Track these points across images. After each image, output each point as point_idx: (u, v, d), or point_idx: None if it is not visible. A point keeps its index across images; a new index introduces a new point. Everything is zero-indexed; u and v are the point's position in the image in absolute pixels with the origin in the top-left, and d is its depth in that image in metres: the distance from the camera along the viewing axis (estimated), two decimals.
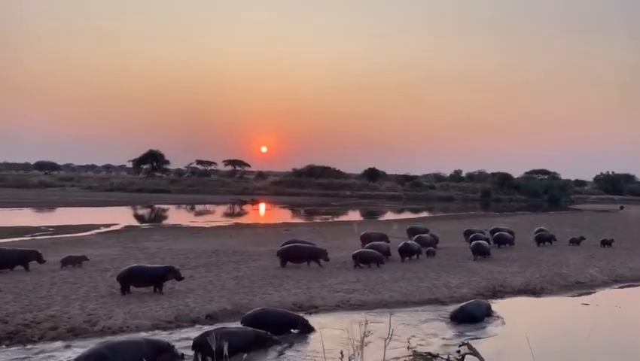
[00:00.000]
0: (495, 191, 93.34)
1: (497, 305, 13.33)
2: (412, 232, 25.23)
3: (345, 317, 11.89)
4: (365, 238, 22.55)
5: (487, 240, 23.14)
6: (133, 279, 13.24)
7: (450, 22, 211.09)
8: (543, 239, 25.37)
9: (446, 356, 9.47)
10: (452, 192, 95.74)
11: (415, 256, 19.58)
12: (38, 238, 24.89)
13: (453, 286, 15.22)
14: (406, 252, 19.49)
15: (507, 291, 15.27)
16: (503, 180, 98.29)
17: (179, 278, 13.66)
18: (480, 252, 20.50)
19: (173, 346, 8.93)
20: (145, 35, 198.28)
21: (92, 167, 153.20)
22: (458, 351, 9.68)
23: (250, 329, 10.07)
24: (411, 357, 9.59)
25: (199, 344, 8.83)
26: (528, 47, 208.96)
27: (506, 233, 25.12)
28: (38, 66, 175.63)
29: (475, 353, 9.57)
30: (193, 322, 11.31)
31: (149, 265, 14.33)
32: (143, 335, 9.97)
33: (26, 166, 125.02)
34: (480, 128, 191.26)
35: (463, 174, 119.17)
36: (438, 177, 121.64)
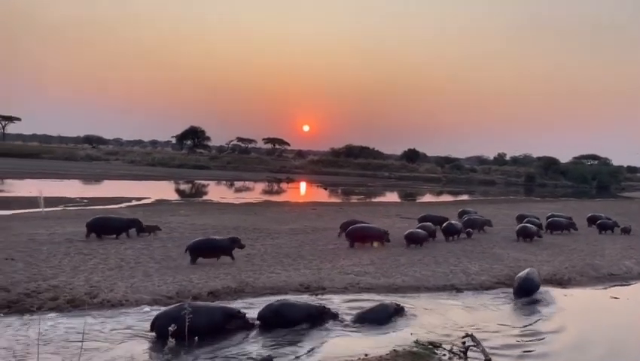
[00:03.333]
0: (540, 176, 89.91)
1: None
2: (463, 214, 25.31)
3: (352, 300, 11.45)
4: (423, 220, 22.26)
5: (540, 225, 22.68)
6: (203, 250, 13.93)
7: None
8: (605, 227, 24.13)
9: (449, 347, 8.93)
10: (495, 175, 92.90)
11: (457, 236, 20.08)
12: (70, 208, 25.55)
13: (472, 272, 14.45)
14: (449, 232, 19.73)
15: None
16: (548, 164, 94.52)
17: (241, 247, 14.73)
18: (524, 235, 20.22)
19: (244, 314, 9.23)
20: (190, 14, 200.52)
21: (140, 142, 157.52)
22: (463, 343, 9.11)
23: (310, 303, 10.23)
24: (413, 346, 9.11)
25: (264, 317, 9.35)
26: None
27: (562, 219, 24.18)
28: (93, 47, 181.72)
29: (478, 344, 8.97)
30: (194, 298, 11.08)
31: (216, 237, 14.92)
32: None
33: (77, 140, 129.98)
34: (527, 111, 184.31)
35: (507, 158, 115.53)
36: (481, 160, 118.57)
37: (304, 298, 11.30)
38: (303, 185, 62.66)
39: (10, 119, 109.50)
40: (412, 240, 17.97)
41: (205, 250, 14.03)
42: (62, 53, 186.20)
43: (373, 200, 45.59)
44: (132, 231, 17.46)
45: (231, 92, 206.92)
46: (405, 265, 14.88)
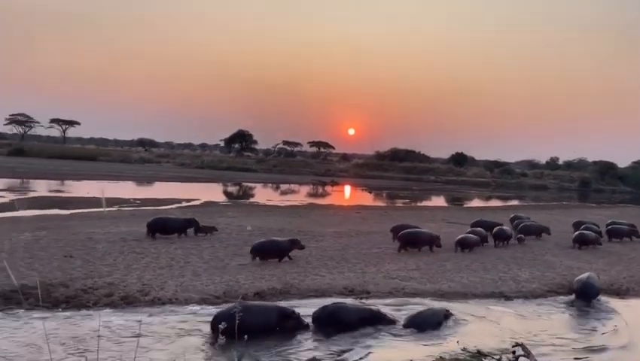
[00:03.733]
0: (596, 181, 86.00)
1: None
2: (515, 219, 24.72)
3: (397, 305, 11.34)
4: (476, 225, 21.80)
5: (599, 232, 21.78)
6: (264, 251, 14.66)
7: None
8: None
9: (498, 356, 8.69)
10: (547, 180, 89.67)
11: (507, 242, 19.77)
12: (124, 209, 26.58)
13: (522, 280, 14.02)
14: (500, 237, 19.40)
15: None
16: (605, 169, 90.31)
17: (301, 248, 15.35)
18: (581, 242, 19.69)
19: (299, 314, 9.37)
20: (239, 20, 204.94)
21: (190, 145, 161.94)
22: (513, 352, 8.84)
23: (367, 307, 10.25)
24: (460, 354, 8.94)
25: (319, 318, 9.51)
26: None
27: (623, 226, 23.19)
28: (148, 53, 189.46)
29: (529, 354, 8.68)
30: (241, 299, 11.30)
31: (278, 239, 15.65)
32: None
33: (131, 143, 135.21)
34: (582, 113, 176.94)
35: (560, 162, 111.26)
36: (532, 165, 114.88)
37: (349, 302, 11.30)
38: (347, 188, 62.61)
39: (71, 123, 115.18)
40: (464, 245, 17.69)
41: (267, 250, 14.71)
42: (118, 61, 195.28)
43: (419, 204, 45.02)
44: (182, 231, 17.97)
45: (278, 95, 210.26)
46: (452, 270, 14.62)
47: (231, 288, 11.75)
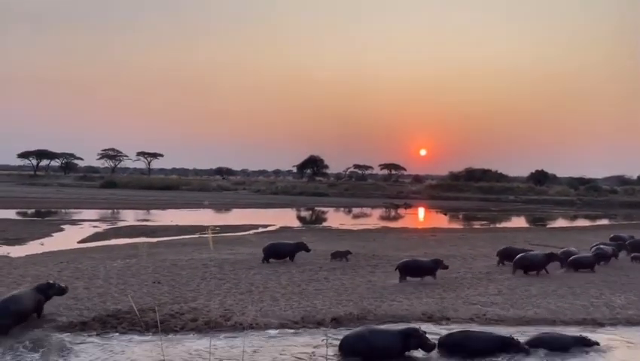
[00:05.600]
0: None
1: None
2: (616, 240, 23.57)
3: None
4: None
5: None
6: (410, 270, 15.50)
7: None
8: None
9: None
10: None
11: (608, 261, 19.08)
12: (204, 236, 27.80)
13: (617, 306, 13.03)
14: (600, 257, 18.69)
15: None
16: None
17: (445, 268, 15.92)
18: None
19: (424, 333, 9.51)
20: (306, 47, 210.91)
21: (264, 172, 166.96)
22: None
23: (495, 333, 10.12)
24: None
25: (444, 344, 9.59)
26: None
27: None
28: (222, 87, 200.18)
29: None
30: (318, 324, 11.37)
31: (422, 259, 16.57)
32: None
33: (209, 172, 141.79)
34: None
35: None
36: (622, 180, 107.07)
37: (425, 328, 11.04)
38: (421, 210, 61.51)
39: (155, 155, 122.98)
40: (578, 265, 17.40)
41: (412, 269, 15.53)
42: (193, 96, 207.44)
43: (498, 226, 43.25)
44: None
45: (347, 119, 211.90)
46: (537, 295, 13.89)
47: (309, 313, 11.90)
